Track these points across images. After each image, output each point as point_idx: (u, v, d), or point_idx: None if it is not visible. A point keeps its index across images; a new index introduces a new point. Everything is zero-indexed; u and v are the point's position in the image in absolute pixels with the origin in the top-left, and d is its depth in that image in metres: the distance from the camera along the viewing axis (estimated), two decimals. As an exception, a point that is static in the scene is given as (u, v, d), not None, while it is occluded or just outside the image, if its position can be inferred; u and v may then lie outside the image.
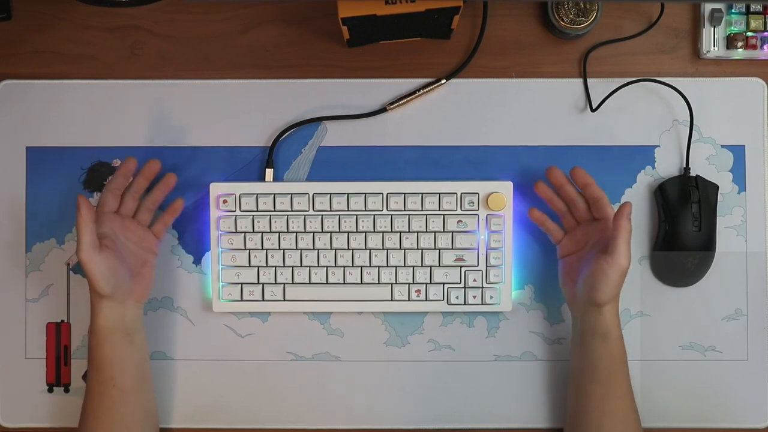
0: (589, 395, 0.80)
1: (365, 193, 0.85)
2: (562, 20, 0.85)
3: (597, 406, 0.80)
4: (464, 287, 0.86)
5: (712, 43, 0.87)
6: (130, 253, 0.83)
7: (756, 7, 0.87)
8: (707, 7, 0.87)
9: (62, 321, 0.88)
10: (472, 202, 0.85)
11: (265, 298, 0.86)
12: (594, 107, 0.88)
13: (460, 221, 0.85)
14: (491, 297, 0.85)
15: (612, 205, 0.83)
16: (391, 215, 0.85)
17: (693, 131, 0.87)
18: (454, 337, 0.88)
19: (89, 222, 0.77)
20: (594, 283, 0.78)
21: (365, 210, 0.86)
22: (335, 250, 0.86)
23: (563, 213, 0.85)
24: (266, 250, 0.86)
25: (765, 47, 0.87)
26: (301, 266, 0.86)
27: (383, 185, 0.86)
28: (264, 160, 0.88)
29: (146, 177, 0.85)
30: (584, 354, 0.81)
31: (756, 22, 0.87)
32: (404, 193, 0.85)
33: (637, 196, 0.88)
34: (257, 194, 0.85)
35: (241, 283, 0.86)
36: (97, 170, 0.89)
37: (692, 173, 0.87)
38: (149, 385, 0.84)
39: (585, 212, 0.84)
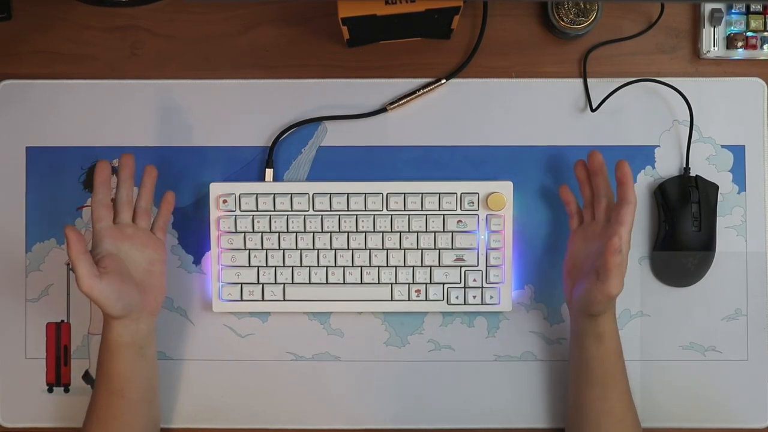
0: (586, 395, 0.80)
1: (365, 193, 0.85)
2: (562, 20, 0.85)
3: (594, 406, 0.80)
4: (464, 287, 0.86)
5: (712, 43, 0.87)
6: (136, 266, 0.81)
7: (756, 7, 0.87)
8: (707, 7, 0.87)
9: (62, 321, 0.88)
10: (472, 202, 0.85)
11: (265, 298, 0.86)
12: (594, 107, 0.88)
13: (460, 221, 0.85)
14: (491, 297, 0.85)
15: (626, 213, 0.77)
16: (391, 215, 0.85)
17: (693, 131, 0.87)
18: (454, 337, 0.88)
19: (81, 253, 0.74)
20: (587, 301, 0.78)
21: (365, 210, 0.86)
22: (335, 250, 0.86)
23: (586, 202, 0.83)
24: (266, 250, 0.86)
25: (765, 47, 0.87)
26: (301, 266, 0.86)
27: (383, 185, 0.86)
28: (264, 160, 0.88)
29: (129, 176, 0.82)
30: (580, 354, 0.81)
31: (756, 22, 0.87)
32: (404, 193, 0.85)
33: (637, 196, 0.87)
34: (257, 194, 0.85)
35: (241, 283, 0.86)
36: (97, 170, 0.89)
37: (692, 173, 0.87)
38: (156, 394, 0.83)
39: (603, 212, 0.81)
